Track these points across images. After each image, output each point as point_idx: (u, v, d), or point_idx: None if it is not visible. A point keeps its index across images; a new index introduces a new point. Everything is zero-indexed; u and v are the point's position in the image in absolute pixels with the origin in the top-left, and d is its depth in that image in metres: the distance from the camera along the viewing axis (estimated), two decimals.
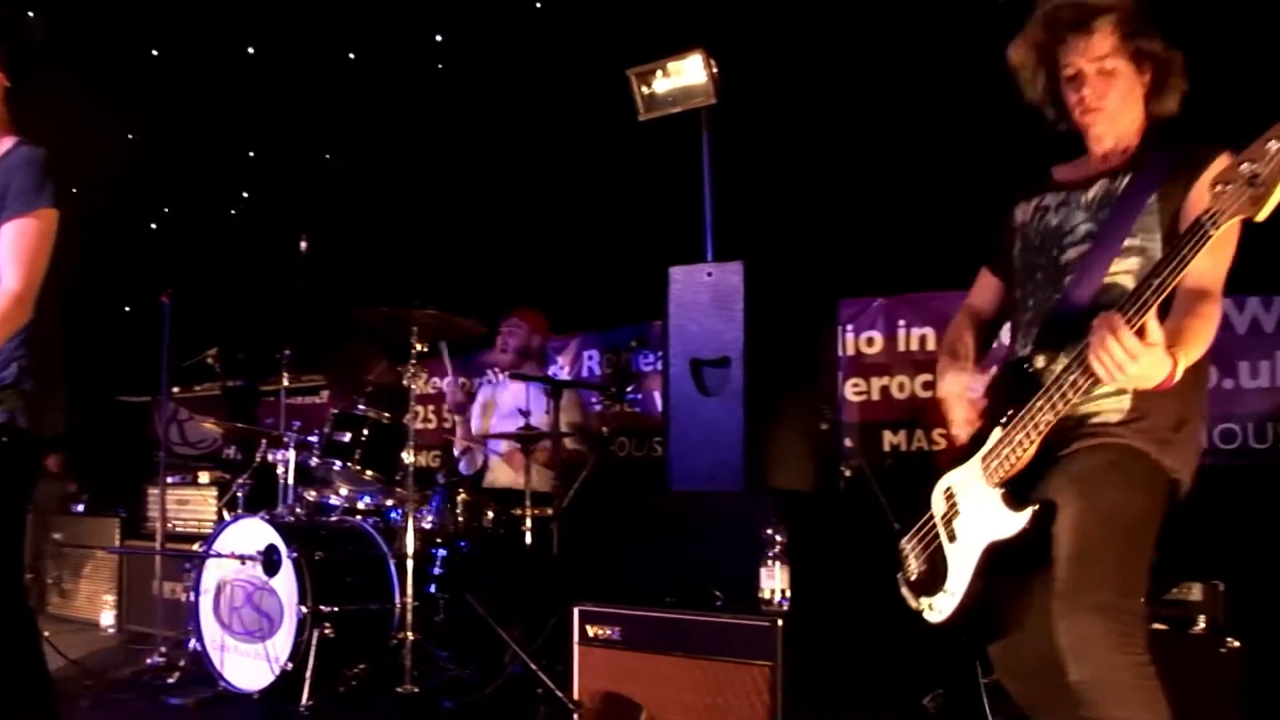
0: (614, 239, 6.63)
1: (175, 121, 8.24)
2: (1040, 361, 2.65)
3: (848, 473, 5.14)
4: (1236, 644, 3.75)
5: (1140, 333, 2.35)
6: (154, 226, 9.17)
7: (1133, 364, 2.35)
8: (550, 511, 5.40)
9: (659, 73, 5.58)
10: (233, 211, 9.02)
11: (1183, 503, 2.70)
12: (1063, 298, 2.74)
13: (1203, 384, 2.75)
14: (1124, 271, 2.70)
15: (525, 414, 5.47)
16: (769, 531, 4.00)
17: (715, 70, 5.37)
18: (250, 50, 8.09)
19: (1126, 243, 2.69)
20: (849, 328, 6.09)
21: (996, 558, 2.67)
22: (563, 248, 7.01)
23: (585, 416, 6.24)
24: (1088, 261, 2.72)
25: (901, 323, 6.07)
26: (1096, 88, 2.79)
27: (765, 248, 5.21)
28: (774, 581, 4.01)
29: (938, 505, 2.85)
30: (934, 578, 2.81)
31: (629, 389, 6.23)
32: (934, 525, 2.85)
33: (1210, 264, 2.50)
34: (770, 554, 4.01)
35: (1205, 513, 4.84)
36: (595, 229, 6.82)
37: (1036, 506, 2.59)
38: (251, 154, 8.66)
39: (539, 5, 7.20)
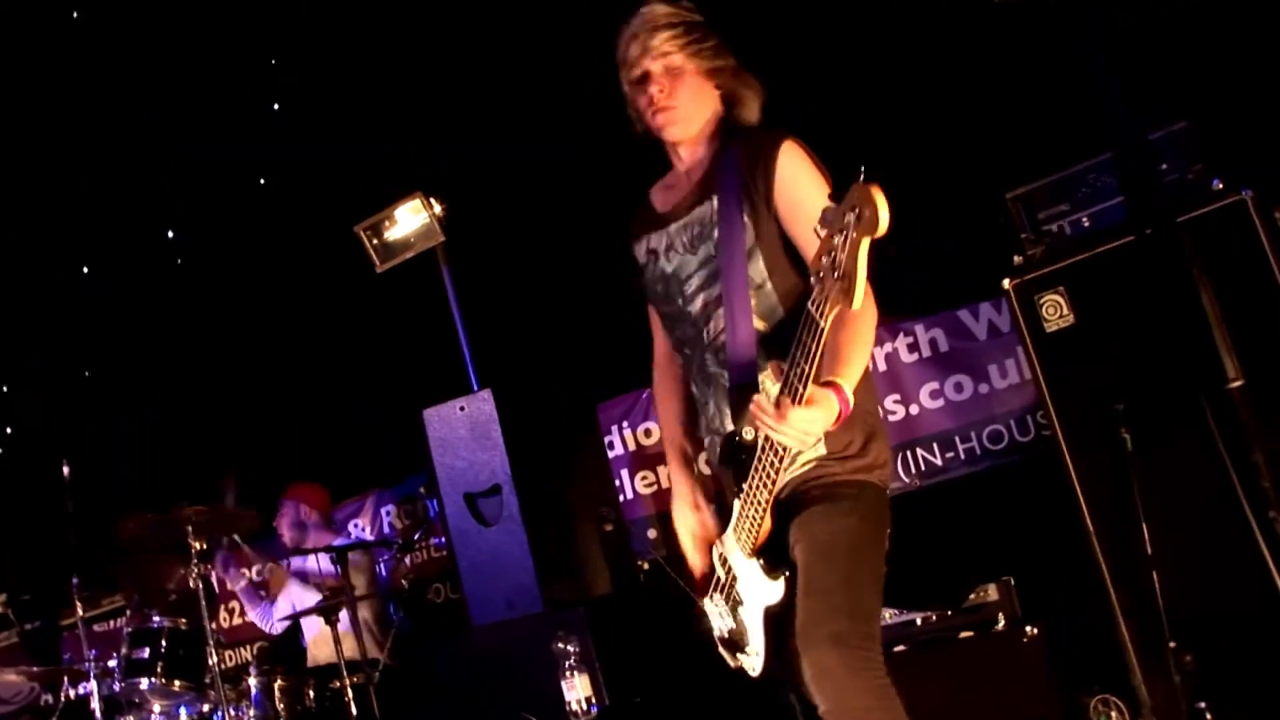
0: (380, 389, 6.62)
1: None
2: (749, 434, 2.61)
3: (646, 566, 5.18)
4: (1034, 631, 3.91)
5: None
6: None
7: (817, 429, 2.39)
8: (365, 679, 5.31)
9: (386, 222, 5.68)
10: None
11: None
12: (729, 362, 2.71)
13: (869, 383, 2.73)
14: (759, 318, 2.70)
15: (320, 586, 5.41)
16: (558, 645, 4.02)
17: (437, 209, 5.49)
18: None
19: (748, 279, 2.69)
20: (624, 424, 6.14)
21: (777, 619, 2.66)
22: (337, 410, 6.97)
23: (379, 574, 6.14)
24: (728, 317, 2.70)
25: None
26: (664, 84, 2.77)
27: (515, 369, 5.28)
28: (576, 692, 4.02)
29: (720, 571, 2.82)
30: (740, 637, 2.78)
31: (415, 537, 6.18)
32: (724, 588, 2.82)
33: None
34: (566, 666, 4.02)
35: (987, 516, 5.06)
36: (365, 384, 6.80)
37: (786, 574, 2.60)
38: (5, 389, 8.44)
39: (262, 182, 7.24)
